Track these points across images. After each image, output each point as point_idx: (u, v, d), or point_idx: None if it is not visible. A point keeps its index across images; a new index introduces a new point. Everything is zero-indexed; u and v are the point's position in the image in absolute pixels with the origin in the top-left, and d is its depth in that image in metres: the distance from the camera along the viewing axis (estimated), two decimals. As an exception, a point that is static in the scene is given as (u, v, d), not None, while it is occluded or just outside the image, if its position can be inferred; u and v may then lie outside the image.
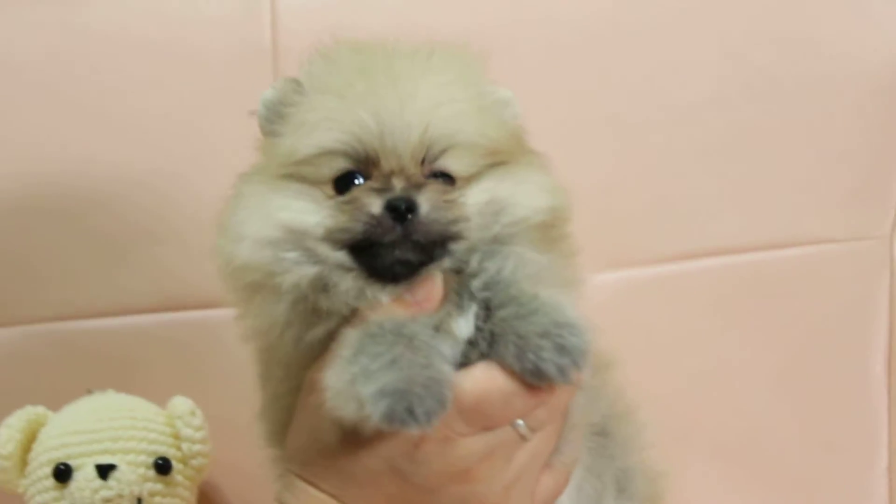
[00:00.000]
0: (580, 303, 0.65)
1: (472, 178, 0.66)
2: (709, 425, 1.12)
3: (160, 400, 0.96)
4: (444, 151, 0.64)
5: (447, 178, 0.65)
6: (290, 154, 0.65)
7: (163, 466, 0.91)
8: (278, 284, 0.63)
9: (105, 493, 0.87)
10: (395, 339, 0.59)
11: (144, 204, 1.06)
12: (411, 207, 0.61)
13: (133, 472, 0.88)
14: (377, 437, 0.62)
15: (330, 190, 0.64)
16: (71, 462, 0.88)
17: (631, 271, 1.10)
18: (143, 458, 0.90)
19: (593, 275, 0.71)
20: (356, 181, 0.64)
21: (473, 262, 0.64)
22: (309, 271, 0.63)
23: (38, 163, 1.05)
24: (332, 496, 0.65)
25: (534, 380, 0.61)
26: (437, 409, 0.57)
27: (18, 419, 0.91)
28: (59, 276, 1.06)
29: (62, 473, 0.88)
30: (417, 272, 0.63)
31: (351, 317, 0.63)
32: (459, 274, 0.64)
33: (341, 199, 0.64)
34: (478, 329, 0.63)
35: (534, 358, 0.60)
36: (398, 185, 0.62)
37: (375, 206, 0.62)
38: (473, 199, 0.65)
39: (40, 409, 0.93)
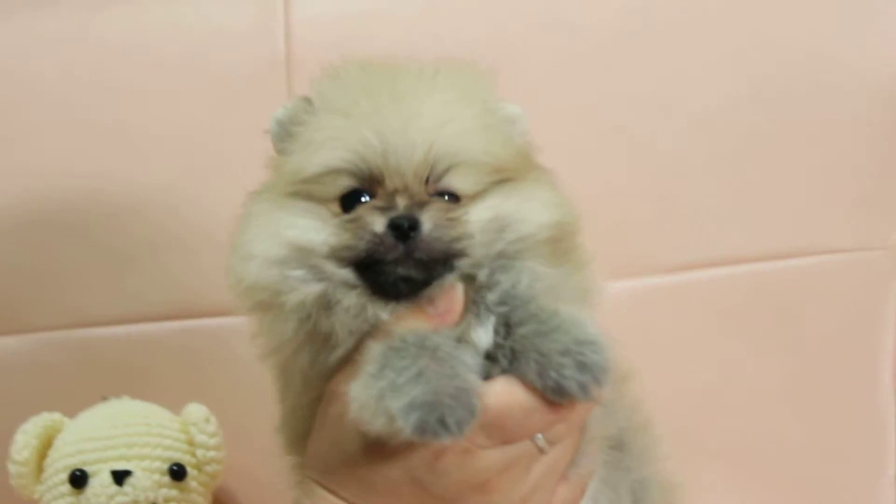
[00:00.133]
0: (598, 312, 0.65)
1: (477, 196, 0.66)
2: (716, 434, 1.11)
3: (173, 406, 0.96)
4: (448, 170, 0.64)
5: (452, 196, 0.65)
6: (298, 172, 0.65)
7: (178, 472, 0.91)
8: (283, 303, 0.64)
9: (121, 499, 0.87)
10: (418, 352, 0.59)
11: (157, 216, 1.06)
12: (414, 225, 0.61)
13: (148, 479, 0.89)
14: (399, 447, 0.61)
15: (336, 208, 0.65)
16: (87, 468, 0.89)
17: (638, 280, 1.10)
18: (158, 464, 0.90)
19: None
20: (362, 199, 0.64)
21: (482, 276, 0.64)
22: (314, 289, 0.64)
23: (55, 177, 1.06)
24: None
25: (555, 397, 0.61)
26: (468, 417, 0.57)
27: (34, 426, 0.92)
28: (74, 285, 1.07)
29: (78, 479, 0.88)
30: (421, 290, 0.63)
31: (365, 337, 0.63)
32: (472, 284, 0.64)
33: (346, 217, 0.64)
34: (498, 346, 0.63)
35: (555, 376, 0.60)
36: (402, 203, 0.63)
37: (378, 224, 0.62)
38: (477, 216, 0.65)
39: (56, 416, 0.94)
